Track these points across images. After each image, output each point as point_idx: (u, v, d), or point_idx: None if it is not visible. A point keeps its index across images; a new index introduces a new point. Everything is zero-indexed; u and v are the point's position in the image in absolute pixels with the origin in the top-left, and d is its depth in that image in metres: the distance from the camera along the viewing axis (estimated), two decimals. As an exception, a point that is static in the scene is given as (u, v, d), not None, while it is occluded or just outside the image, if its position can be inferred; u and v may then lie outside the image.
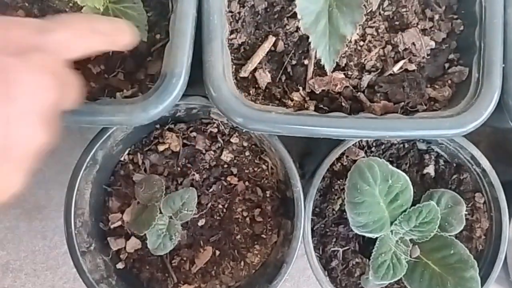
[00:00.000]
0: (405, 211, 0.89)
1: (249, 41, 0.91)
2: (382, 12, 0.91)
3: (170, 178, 1.06)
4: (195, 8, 0.84)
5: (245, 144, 1.08)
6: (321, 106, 0.89)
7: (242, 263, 1.07)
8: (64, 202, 1.00)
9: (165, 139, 1.06)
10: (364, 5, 0.85)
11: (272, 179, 1.08)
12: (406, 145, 1.05)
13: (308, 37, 0.83)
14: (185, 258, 1.07)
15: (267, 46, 0.90)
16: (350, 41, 0.90)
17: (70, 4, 0.91)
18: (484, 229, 1.04)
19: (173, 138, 1.06)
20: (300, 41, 0.90)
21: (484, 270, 1.00)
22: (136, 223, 0.97)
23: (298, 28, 0.89)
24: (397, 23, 0.92)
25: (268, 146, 1.02)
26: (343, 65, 0.90)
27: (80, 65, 0.91)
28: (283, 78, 0.91)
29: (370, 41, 0.91)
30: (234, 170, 1.07)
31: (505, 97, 0.85)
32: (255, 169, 1.08)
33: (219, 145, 1.07)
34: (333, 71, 0.88)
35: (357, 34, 0.90)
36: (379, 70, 0.90)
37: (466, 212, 0.96)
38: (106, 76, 0.91)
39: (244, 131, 1.05)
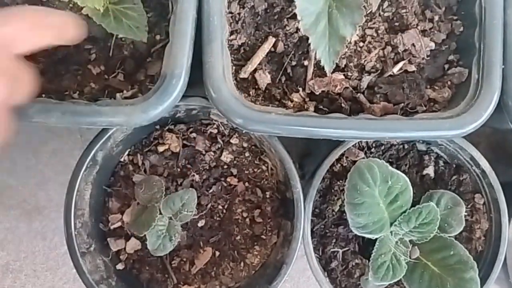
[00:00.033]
0: (404, 212, 0.89)
1: (249, 42, 0.91)
2: (382, 13, 0.92)
3: (170, 179, 1.06)
4: (195, 9, 0.84)
5: (245, 145, 1.08)
6: (321, 107, 0.89)
7: (242, 264, 1.07)
8: (64, 203, 1.00)
9: (165, 140, 1.06)
10: (364, 6, 0.85)
11: (272, 180, 1.08)
12: (406, 146, 1.05)
13: (308, 38, 0.83)
14: (185, 259, 1.07)
15: (267, 47, 0.90)
16: (350, 42, 0.90)
17: (70, 5, 0.91)
18: (483, 230, 1.04)
19: (173, 139, 1.06)
20: (300, 42, 0.90)
21: (484, 271, 1.00)
22: (136, 224, 0.97)
23: (298, 29, 0.89)
24: (396, 24, 0.92)
25: (268, 147, 1.02)
26: (343, 66, 0.90)
27: (80, 66, 0.92)
28: (283, 79, 0.91)
29: (370, 42, 0.91)
30: (234, 171, 1.07)
31: (505, 98, 0.85)
32: (255, 170, 1.08)
33: (219, 146, 1.07)
34: (332, 72, 0.88)
35: (357, 35, 0.90)
36: (379, 71, 0.91)
37: (466, 213, 0.96)
38: (106, 77, 0.91)
39: (244, 132, 1.05)
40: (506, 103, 0.85)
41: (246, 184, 1.07)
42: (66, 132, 1.30)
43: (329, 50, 0.84)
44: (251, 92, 0.90)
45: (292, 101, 0.89)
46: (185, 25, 0.83)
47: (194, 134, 1.06)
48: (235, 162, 1.07)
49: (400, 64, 0.90)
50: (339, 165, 1.03)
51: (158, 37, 0.91)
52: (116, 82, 0.91)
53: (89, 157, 0.99)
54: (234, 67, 0.90)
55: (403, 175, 0.88)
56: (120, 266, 1.07)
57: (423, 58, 0.91)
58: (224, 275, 1.07)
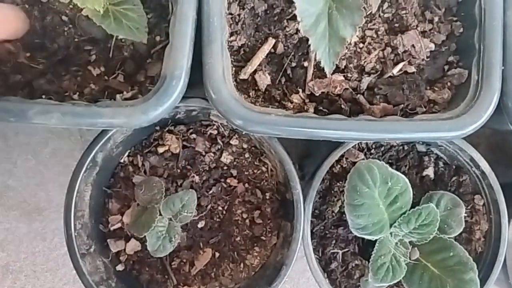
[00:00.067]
0: (404, 213, 0.89)
1: (249, 43, 0.91)
2: (381, 14, 0.92)
3: (170, 180, 1.06)
4: (195, 10, 0.84)
5: (245, 146, 1.08)
6: (321, 108, 0.89)
7: (242, 265, 1.07)
8: (64, 204, 1.00)
9: (165, 141, 1.06)
10: (364, 7, 0.85)
11: (271, 181, 1.08)
12: (406, 147, 1.05)
13: (308, 39, 0.84)
14: (184, 260, 1.07)
15: (267, 48, 0.90)
16: (350, 43, 0.90)
17: (70, 6, 0.91)
18: (483, 231, 1.04)
19: (173, 140, 1.06)
20: (300, 43, 0.90)
21: (484, 272, 1.00)
22: (136, 225, 0.97)
23: (298, 30, 0.89)
24: (396, 25, 0.92)
25: (267, 148, 1.02)
26: (343, 67, 0.90)
27: (80, 67, 0.92)
28: (283, 80, 0.91)
29: (369, 43, 0.91)
30: (234, 172, 1.07)
31: (505, 99, 0.85)
32: (255, 171, 1.08)
33: (219, 147, 1.07)
34: (332, 73, 0.88)
35: (357, 36, 0.90)
36: (379, 72, 0.91)
37: (466, 214, 0.96)
38: (106, 78, 0.91)
39: (243, 133, 1.05)
40: (506, 104, 0.85)
41: (246, 185, 1.07)
42: (66, 133, 1.30)
43: (329, 51, 0.84)
44: (251, 93, 0.90)
45: (292, 102, 0.89)
46: (185, 26, 0.83)
47: (194, 135, 1.06)
48: (235, 163, 1.07)
49: (400, 65, 0.90)
50: (339, 166, 1.03)
51: (158, 38, 0.92)
52: (116, 83, 0.91)
53: (89, 158, 0.99)
54: (234, 68, 0.90)
55: (403, 176, 0.88)
56: (120, 267, 1.07)
57: (423, 59, 0.91)
58: (224, 276, 1.07)
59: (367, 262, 0.95)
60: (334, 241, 1.02)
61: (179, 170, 1.07)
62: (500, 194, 0.99)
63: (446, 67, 0.92)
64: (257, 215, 1.06)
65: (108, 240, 1.06)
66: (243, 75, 0.89)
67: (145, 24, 0.86)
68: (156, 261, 1.07)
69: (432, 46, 0.91)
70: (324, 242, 1.03)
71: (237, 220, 1.06)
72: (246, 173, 1.08)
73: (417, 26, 0.91)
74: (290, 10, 0.90)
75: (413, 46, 0.90)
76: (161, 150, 1.07)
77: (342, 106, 0.88)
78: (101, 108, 0.83)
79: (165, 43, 0.87)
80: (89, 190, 1.04)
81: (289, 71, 0.91)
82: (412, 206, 0.90)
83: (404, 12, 0.91)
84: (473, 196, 1.04)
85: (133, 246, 1.06)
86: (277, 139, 0.99)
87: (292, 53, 0.90)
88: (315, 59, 0.88)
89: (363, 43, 0.91)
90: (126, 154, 1.09)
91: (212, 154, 1.07)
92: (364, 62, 0.90)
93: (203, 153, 1.06)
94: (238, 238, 1.07)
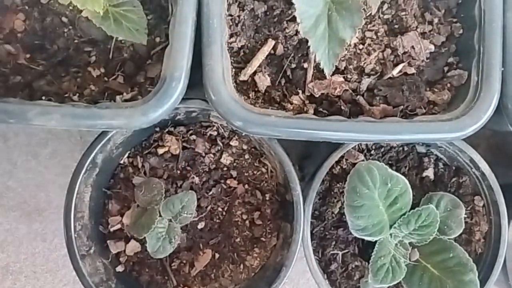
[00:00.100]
0: (404, 214, 0.89)
1: (249, 45, 0.91)
2: (381, 15, 0.92)
3: (170, 181, 1.06)
4: (195, 12, 0.84)
5: (245, 147, 1.08)
6: (321, 109, 0.89)
7: (242, 266, 1.07)
8: (64, 205, 1.00)
9: (164, 142, 1.06)
10: (364, 9, 0.85)
11: (271, 182, 1.08)
12: (406, 148, 1.05)
13: (307, 41, 0.84)
14: (184, 261, 1.07)
15: (266, 49, 0.90)
16: (350, 45, 0.90)
17: (70, 7, 0.91)
18: (483, 232, 1.04)
19: (173, 141, 1.06)
20: (299, 45, 0.91)
21: (483, 273, 1.00)
22: (136, 226, 0.97)
23: (297, 32, 0.89)
24: (396, 26, 0.92)
25: (267, 149, 1.02)
26: (343, 68, 0.90)
27: (80, 68, 0.92)
28: (283, 81, 0.91)
29: (369, 45, 0.91)
30: (234, 173, 1.07)
31: (504, 101, 0.85)
32: (255, 172, 1.08)
33: (219, 148, 1.07)
34: (332, 75, 0.88)
35: (357, 37, 0.90)
36: (379, 74, 0.91)
37: (465, 215, 0.96)
38: (106, 79, 0.92)
39: (243, 134, 1.05)
40: (506, 106, 0.85)
41: (246, 186, 1.07)
42: (66, 133, 1.30)
43: (329, 52, 0.84)
44: (250, 95, 0.90)
45: (291, 104, 0.89)
46: (185, 28, 0.83)
47: (194, 136, 1.06)
48: (234, 164, 1.07)
49: (400, 67, 0.90)
50: (338, 167, 1.03)
51: (158, 39, 0.92)
52: (116, 85, 0.91)
53: (89, 160, 0.99)
54: (233, 70, 0.90)
55: (403, 177, 0.88)
56: (120, 269, 1.06)
57: (422, 61, 0.91)
58: (223, 277, 1.07)
59: (367, 263, 0.94)
60: (334, 242, 1.02)
61: (179, 171, 1.07)
62: (500, 195, 0.99)
63: (446, 68, 0.92)
64: (257, 216, 1.06)
65: (108, 241, 1.06)
66: (243, 77, 0.89)
67: (145, 25, 0.87)
68: (156, 262, 1.07)
69: (432, 47, 0.91)
70: (324, 243, 1.03)
71: (237, 221, 1.06)
72: (246, 174, 1.08)
73: (416, 27, 0.91)
74: (289, 12, 0.90)
75: (412, 47, 0.90)
76: (161, 151, 1.07)
77: (342, 107, 0.88)
78: (101, 110, 0.83)
79: (165, 45, 0.87)
80: (89, 191, 1.04)
81: (288, 73, 0.91)
82: (412, 207, 0.90)
83: (403, 13, 0.91)
84: (473, 197, 1.04)
85: (133, 247, 1.06)
86: (277, 140, 0.99)
87: (292, 55, 0.90)
88: (314, 61, 0.88)
89: (363, 44, 0.91)
90: (126, 155, 1.09)
91: (212, 155, 1.07)
92: (364, 63, 0.90)
93: (203, 154, 1.06)
94: (238, 239, 1.07)
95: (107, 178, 1.08)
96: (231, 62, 0.89)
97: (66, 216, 1.00)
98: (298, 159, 1.26)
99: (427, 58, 0.91)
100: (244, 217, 1.07)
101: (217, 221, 1.07)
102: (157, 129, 1.08)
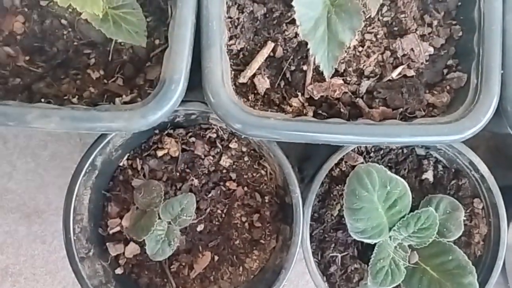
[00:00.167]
0: (403, 217, 0.89)
1: (248, 47, 0.91)
2: (381, 18, 0.92)
3: (169, 183, 1.06)
4: (194, 14, 0.84)
5: (244, 149, 1.08)
6: (320, 112, 0.89)
7: (241, 268, 1.07)
8: (63, 208, 1.00)
9: (164, 145, 1.06)
10: (363, 11, 0.85)
11: (271, 184, 1.08)
12: (405, 151, 1.05)
13: (307, 43, 0.84)
14: (184, 264, 1.07)
15: (266, 52, 0.90)
16: (349, 47, 0.90)
17: (70, 10, 0.91)
18: (482, 235, 1.04)
19: (172, 143, 1.06)
20: (299, 47, 0.90)
21: (483, 275, 1.00)
22: (135, 229, 0.97)
23: (297, 34, 0.89)
24: (396, 28, 0.92)
25: (267, 152, 1.02)
26: (342, 71, 0.90)
27: (80, 70, 0.92)
28: (282, 84, 0.91)
29: (368, 47, 0.91)
30: (233, 176, 1.07)
31: (504, 103, 0.85)
32: (254, 174, 1.08)
33: (218, 150, 1.07)
34: (331, 77, 0.88)
35: (356, 40, 0.90)
36: (378, 76, 0.91)
37: (465, 218, 0.96)
38: (105, 81, 0.91)
39: (243, 136, 1.05)
40: (505, 108, 0.85)
41: (245, 188, 1.07)
42: (65, 135, 1.31)
43: (328, 55, 0.84)
44: (250, 97, 0.90)
45: (291, 106, 0.89)
46: (184, 31, 0.83)
47: (193, 139, 1.06)
48: (234, 166, 1.07)
49: (399, 69, 0.90)
50: (338, 169, 1.03)
51: (157, 41, 0.92)
52: (115, 87, 0.91)
53: (88, 162, 0.99)
54: (233, 72, 0.90)
55: (402, 180, 0.88)
56: (119, 271, 1.06)
57: (422, 63, 0.91)
58: (223, 279, 1.07)
59: (366, 265, 0.95)
60: (333, 245, 1.02)
61: (178, 174, 1.07)
62: (499, 198, 0.99)
63: (445, 71, 0.92)
64: (256, 219, 1.06)
65: (107, 244, 1.06)
66: (242, 79, 0.89)
67: (144, 27, 0.87)
68: (155, 265, 1.07)
69: (431, 49, 0.91)
70: (323, 245, 1.03)
71: (236, 223, 1.06)
72: (245, 176, 1.08)
73: (416, 29, 0.91)
74: (289, 14, 0.90)
75: (412, 49, 0.90)
76: (160, 153, 1.07)
77: (341, 109, 0.88)
78: (100, 112, 0.83)
79: (164, 47, 0.87)
80: (88, 193, 1.04)
81: (288, 75, 0.91)
82: (411, 210, 0.90)
83: (403, 15, 0.91)
84: (472, 199, 1.04)
85: (132, 249, 1.06)
86: (276, 143, 0.99)
87: (291, 57, 0.90)
88: (314, 63, 0.88)
89: (362, 46, 0.91)
90: (125, 157, 1.09)
91: (211, 158, 1.07)
92: (363, 65, 0.90)
93: (202, 157, 1.06)
94: (237, 242, 1.07)
95: (106, 180, 1.08)
96: (231, 64, 0.89)
97: (65, 218, 1.00)
98: (297, 161, 1.26)
99: (426, 61, 0.91)
100: (244, 219, 1.07)
101: (217, 223, 1.07)
102: (157, 131, 1.08)
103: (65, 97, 0.89)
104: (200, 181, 1.06)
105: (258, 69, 0.90)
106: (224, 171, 1.07)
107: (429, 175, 1.04)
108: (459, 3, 0.92)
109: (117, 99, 0.88)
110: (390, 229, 0.90)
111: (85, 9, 0.80)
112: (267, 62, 0.91)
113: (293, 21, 0.87)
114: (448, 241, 0.91)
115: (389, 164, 1.04)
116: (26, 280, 1.33)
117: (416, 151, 1.05)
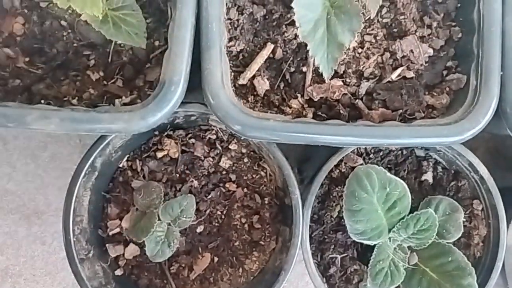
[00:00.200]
0: (403, 218, 0.89)
1: (248, 49, 0.91)
2: (380, 19, 0.92)
3: (169, 185, 1.06)
4: (194, 16, 0.84)
5: (244, 150, 1.08)
6: (319, 113, 0.89)
7: (241, 269, 1.07)
8: (63, 209, 1.00)
9: (163, 146, 1.06)
10: (363, 13, 0.85)
11: (270, 186, 1.08)
12: (404, 152, 1.05)
13: (306, 45, 0.84)
14: (183, 265, 1.07)
15: (265, 53, 0.90)
16: (348, 49, 0.90)
17: (69, 11, 0.91)
18: (482, 236, 1.04)
19: (172, 144, 1.06)
20: (298, 49, 0.91)
21: (482, 277, 1.00)
22: (135, 230, 0.97)
23: (296, 36, 0.89)
24: (395, 30, 0.92)
25: (266, 153, 1.02)
26: (341, 72, 0.90)
27: (79, 72, 0.92)
28: (282, 85, 0.91)
29: (368, 48, 0.91)
30: (233, 177, 1.07)
31: (503, 105, 0.85)
32: (254, 175, 1.08)
33: (218, 151, 1.07)
34: (331, 79, 0.88)
35: (355, 41, 0.90)
36: (377, 78, 0.91)
37: (464, 219, 0.96)
38: (105, 83, 0.92)
39: (242, 138, 1.05)
40: (505, 110, 0.85)
41: (245, 190, 1.07)
42: (65, 137, 1.31)
43: (328, 56, 0.84)
44: (249, 99, 0.90)
45: (290, 108, 0.89)
46: (184, 32, 0.83)
47: (193, 140, 1.06)
48: (233, 168, 1.07)
49: (399, 70, 0.90)
50: (337, 171, 1.03)
51: (157, 43, 0.92)
52: (115, 88, 0.91)
53: (88, 164, 0.99)
54: (232, 74, 0.90)
55: (402, 181, 0.88)
56: (118, 272, 1.06)
57: (421, 64, 0.91)
58: (222, 281, 1.07)
59: (365, 267, 0.95)
60: (332, 246, 1.02)
61: (178, 175, 1.07)
62: (499, 199, 0.99)
63: (444, 72, 0.92)
64: (256, 220, 1.06)
65: (107, 245, 1.06)
66: (242, 80, 0.89)
67: (144, 29, 0.87)
68: (155, 266, 1.07)
69: (431, 51, 0.91)
70: (323, 247, 1.03)
71: (236, 224, 1.06)
72: (245, 177, 1.08)
73: (415, 31, 0.91)
74: (288, 16, 0.90)
75: (411, 51, 0.90)
76: (160, 154, 1.07)
77: (341, 111, 0.88)
78: (100, 114, 0.83)
79: (164, 48, 0.87)
80: (88, 195, 1.04)
81: (287, 76, 0.91)
82: (411, 211, 0.90)
83: (402, 17, 0.91)
84: (471, 201, 1.04)
85: (132, 250, 1.06)
86: (275, 144, 0.99)
87: (291, 58, 0.90)
88: (313, 64, 0.88)
89: (362, 48, 0.91)
90: (125, 159, 1.09)
91: (211, 159, 1.07)
92: (363, 67, 0.90)
93: (202, 158, 1.06)
94: (237, 243, 1.07)
95: (106, 181, 1.08)
96: (230, 66, 0.89)
97: (65, 220, 1.00)
98: (297, 162, 1.26)
99: (426, 62, 0.91)
100: (243, 220, 1.07)
101: (216, 224, 1.07)
102: (156, 132, 1.08)
103: (65, 99, 0.90)
104: (200, 183, 1.06)
105: (258, 70, 0.90)
106: (224, 172, 1.07)
107: (428, 177, 1.04)
108: (459, 5, 0.92)
109: (116, 101, 0.88)
110: (389, 230, 0.90)
111: (84, 11, 0.80)
112: (267, 64, 0.91)
113: (292, 23, 0.87)
114: (447, 243, 0.91)
115: (388, 166, 1.04)
116: (26, 281, 1.33)
117: (415, 153, 1.06)
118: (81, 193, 1.01)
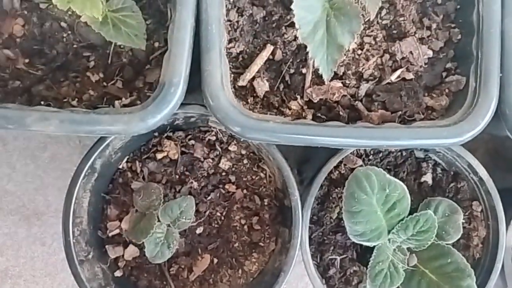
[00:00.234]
0: (402, 220, 0.89)
1: (247, 50, 0.91)
2: (380, 21, 0.92)
3: (168, 186, 1.06)
4: (194, 17, 0.84)
5: (243, 152, 1.08)
6: (319, 115, 0.89)
7: (240, 271, 1.07)
8: (62, 211, 1.00)
9: (163, 147, 1.06)
10: (362, 14, 0.85)
11: (270, 187, 1.08)
12: (404, 153, 1.05)
13: (306, 46, 0.84)
14: (183, 266, 1.06)
15: (265, 55, 0.90)
16: (348, 50, 0.90)
17: (69, 12, 0.91)
18: (481, 238, 1.04)
19: (172, 146, 1.06)
20: (298, 50, 0.91)
21: (481, 278, 1.00)
22: (134, 231, 0.97)
23: (296, 37, 0.89)
24: (395, 32, 0.92)
25: (266, 155, 1.02)
26: (341, 74, 0.90)
27: (79, 73, 0.92)
28: (281, 87, 0.91)
29: (368, 50, 0.91)
30: (232, 178, 1.07)
31: (502, 106, 0.85)
32: (253, 177, 1.08)
33: (217, 153, 1.07)
34: (331, 80, 0.88)
35: (355, 43, 0.90)
36: (377, 79, 0.91)
37: (463, 221, 0.96)
38: (105, 84, 0.92)
39: (242, 139, 1.05)
40: (504, 112, 0.85)
41: (244, 191, 1.07)
42: (64, 138, 1.30)
43: (327, 58, 0.85)
44: (249, 100, 0.90)
45: (290, 109, 0.89)
46: (183, 34, 0.83)
47: (192, 141, 1.06)
48: (233, 169, 1.08)
49: (398, 72, 0.90)
50: (337, 172, 1.03)
51: (156, 44, 0.92)
52: (114, 90, 0.91)
53: (88, 165, 0.99)
54: (232, 75, 0.90)
55: (401, 183, 0.88)
56: (118, 273, 1.06)
57: (421, 66, 0.91)
58: (222, 282, 1.07)
59: (365, 268, 0.95)
60: (332, 247, 1.02)
61: (177, 176, 1.07)
62: (498, 201, 0.99)
63: (444, 74, 0.92)
64: (255, 221, 1.06)
65: (107, 246, 1.06)
66: (242, 82, 0.90)
67: (144, 30, 0.87)
68: (154, 267, 1.07)
69: (430, 52, 0.91)
70: (322, 248, 1.03)
71: (235, 226, 1.06)
72: (244, 179, 1.08)
73: (415, 32, 0.91)
74: (288, 17, 0.90)
75: (411, 52, 0.90)
76: (159, 156, 1.07)
77: (340, 113, 0.88)
78: (100, 115, 0.83)
79: (163, 50, 0.87)
80: (88, 196, 1.04)
81: (287, 78, 0.91)
82: (410, 213, 0.90)
83: (402, 19, 0.91)
84: (471, 202, 1.04)
85: (131, 252, 1.06)
86: (275, 146, 0.99)
87: (291, 60, 0.90)
88: (313, 66, 0.88)
89: (361, 49, 0.91)
90: (125, 160, 1.09)
91: (211, 160, 1.07)
92: (362, 68, 0.90)
93: (202, 159, 1.07)
94: (237, 244, 1.07)
95: (105, 183, 1.08)
96: (230, 67, 0.89)
97: (65, 221, 1.00)
98: (296, 163, 1.26)
99: (425, 64, 0.91)
100: (243, 222, 1.07)
101: (216, 226, 1.07)
102: (156, 134, 1.08)
103: (65, 100, 0.90)
104: (200, 184, 1.06)
105: (258, 72, 0.90)
106: (224, 173, 1.07)
107: (428, 178, 1.04)
108: (458, 6, 0.93)
109: (116, 102, 0.88)
110: (389, 232, 0.90)
111: (84, 12, 0.80)
112: (267, 65, 0.91)
113: (292, 24, 0.87)
114: (447, 244, 0.91)
115: (388, 167, 1.04)
116: (25, 282, 1.33)
117: (415, 154, 1.06)
118: (80, 194, 1.01)
